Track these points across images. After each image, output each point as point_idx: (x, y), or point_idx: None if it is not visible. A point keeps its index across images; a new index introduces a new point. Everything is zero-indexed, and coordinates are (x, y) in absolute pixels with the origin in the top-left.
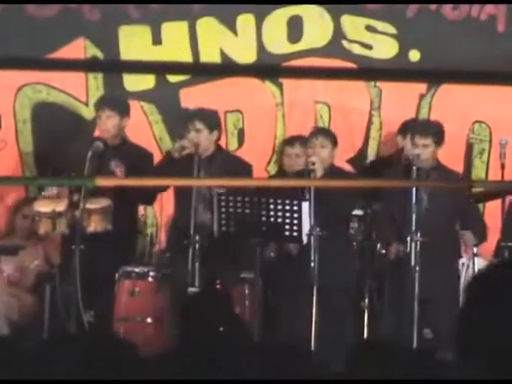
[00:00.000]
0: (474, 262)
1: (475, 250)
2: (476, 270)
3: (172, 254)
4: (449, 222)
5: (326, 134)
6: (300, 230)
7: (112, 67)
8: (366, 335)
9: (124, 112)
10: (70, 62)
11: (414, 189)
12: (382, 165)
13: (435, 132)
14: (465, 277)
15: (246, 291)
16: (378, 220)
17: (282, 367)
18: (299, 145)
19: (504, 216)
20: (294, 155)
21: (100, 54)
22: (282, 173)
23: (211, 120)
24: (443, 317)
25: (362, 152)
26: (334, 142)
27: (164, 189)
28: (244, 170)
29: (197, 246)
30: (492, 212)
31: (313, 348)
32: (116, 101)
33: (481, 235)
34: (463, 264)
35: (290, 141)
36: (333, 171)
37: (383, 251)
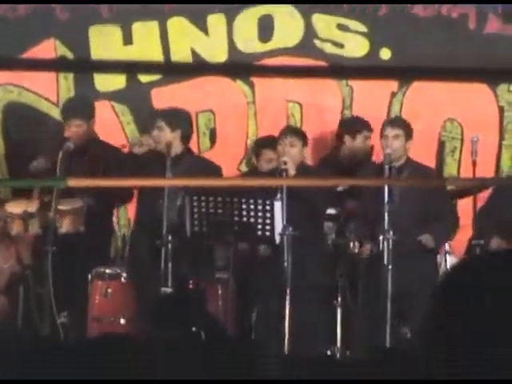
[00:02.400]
0: (446, 259)
1: (447, 247)
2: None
3: (140, 254)
4: (422, 218)
5: (295, 132)
6: (272, 230)
7: (82, 67)
8: (339, 333)
9: (90, 116)
10: (40, 62)
11: (386, 187)
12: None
13: (405, 124)
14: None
15: (220, 291)
16: (352, 219)
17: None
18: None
19: (476, 214)
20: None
21: (70, 54)
22: (254, 172)
23: (173, 118)
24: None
25: (335, 150)
26: (304, 141)
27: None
28: (213, 171)
29: (169, 246)
30: (464, 210)
31: (286, 347)
32: (82, 109)
33: (451, 230)
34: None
35: (270, 143)
36: (306, 170)
37: (356, 250)
